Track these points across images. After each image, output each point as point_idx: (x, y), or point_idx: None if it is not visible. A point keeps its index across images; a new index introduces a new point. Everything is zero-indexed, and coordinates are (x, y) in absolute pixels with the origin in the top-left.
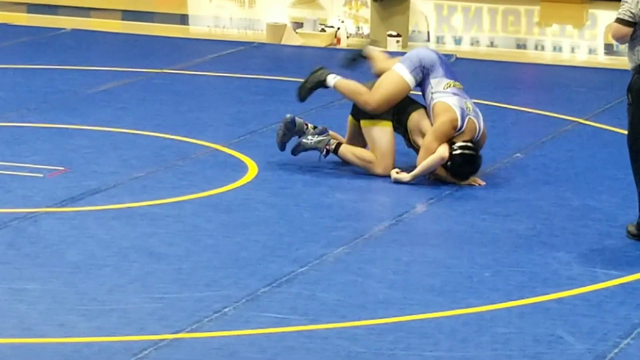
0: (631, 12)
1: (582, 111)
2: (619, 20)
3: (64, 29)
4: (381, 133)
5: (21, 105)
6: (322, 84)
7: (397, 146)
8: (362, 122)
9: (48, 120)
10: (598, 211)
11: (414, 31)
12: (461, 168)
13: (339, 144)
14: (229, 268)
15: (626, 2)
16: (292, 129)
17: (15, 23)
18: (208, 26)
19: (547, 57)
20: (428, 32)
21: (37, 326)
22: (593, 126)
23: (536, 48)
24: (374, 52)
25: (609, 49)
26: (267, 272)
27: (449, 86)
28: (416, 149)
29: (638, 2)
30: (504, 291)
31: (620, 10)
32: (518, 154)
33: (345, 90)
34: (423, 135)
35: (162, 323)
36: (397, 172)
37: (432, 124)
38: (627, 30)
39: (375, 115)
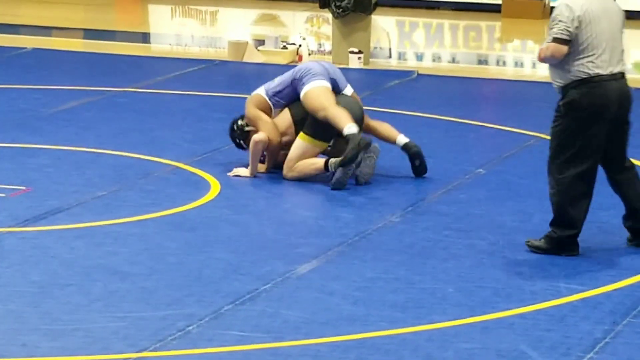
0: (568, 31)
1: (543, 126)
2: (558, 40)
3: (25, 48)
4: (309, 148)
5: None
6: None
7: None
8: (300, 135)
9: (9, 140)
10: None
11: (375, 48)
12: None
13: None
14: (192, 286)
15: (560, 21)
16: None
17: None
18: (170, 44)
19: (509, 72)
20: (390, 49)
21: (0, 346)
22: None
23: (498, 63)
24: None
25: None
26: (231, 289)
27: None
28: None
29: (573, 20)
30: (467, 307)
31: (555, 30)
32: (480, 170)
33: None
34: None
35: (126, 342)
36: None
37: None
38: (566, 49)
39: (315, 135)
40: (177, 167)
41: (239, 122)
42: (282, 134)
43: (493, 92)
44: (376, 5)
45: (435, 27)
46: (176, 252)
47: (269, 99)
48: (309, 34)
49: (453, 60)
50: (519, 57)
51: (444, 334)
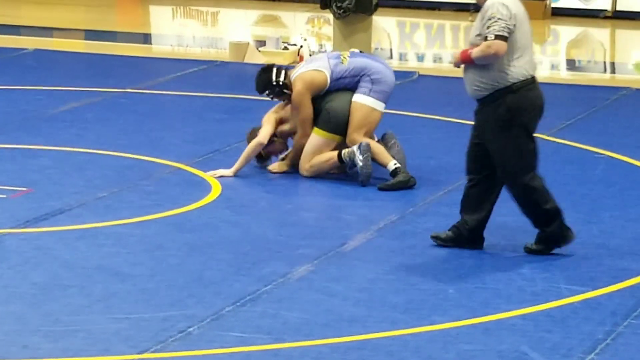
0: (509, 28)
1: (544, 127)
2: (501, 37)
3: (27, 49)
4: (325, 142)
5: None
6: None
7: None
8: (316, 130)
9: (11, 141)
10: None
11: (376, 48)
12: None
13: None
14: (193, 287)
15: (499, 19)
16: None
17: None
18: (171, 45)
19: None
20: (390, 49)
21: (1, 347)
22: (556, 142)
23: None
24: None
25: (571, 65)
26: (232, 291)
27: None
28: None
29: (511, 17)
30: (468, 308)
31: (496, 28)
32: None
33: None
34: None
35: (127, 343)
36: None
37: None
38: (506, 46)
39: (332, 130)
40: (178, 168)
41: (281, 77)
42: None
43: None
44: (377, 6)
45: (436, 28)
46: (177, 253)
47: (332, 82)
48: (310, 35)
49: None
50: None
51: (445, 335)
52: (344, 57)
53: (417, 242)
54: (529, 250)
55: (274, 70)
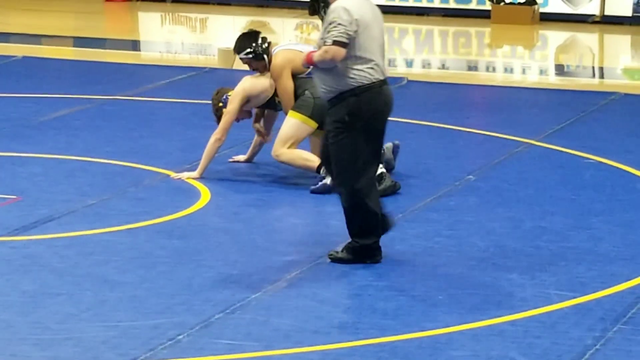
0: (348, 34)
1: (533, 132)
2: (338, 43)
3: (15, 56)
4: (303, 127)
5: None
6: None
7: None
8: (293, 113)
9: None
10: (551, 232)
11: None
12: None
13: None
14: (182, 295)
15: (340, 24)
16: None
17: None
18: (160, 52)
19: (498, 78)
20: None
21: None
22: (545, 147)
23: (487, 70)
24: None
25: (559, 70)
26: (221, 298)
27: None
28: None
29: (352, 23)
30: (457, 314)
31: (335, 33)
32: (470, 176)
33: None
34: None
35: (117, 351)
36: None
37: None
38: (345, 52)
39: (311, 115)
40: (168, 175)
41: (264, 45)
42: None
43: (483, 98)
44: None
45: (425, 34)
46: (166, 261)
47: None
48: (299, 41)
49: (443, 67)
50: (509, 63)
51: (434, 342)
52: None
53: (406, 248)
54: (333, 258)
55: (260, 36)
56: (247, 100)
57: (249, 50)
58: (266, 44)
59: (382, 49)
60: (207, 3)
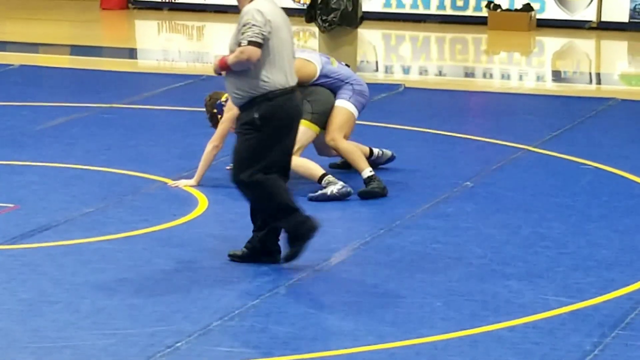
0: (263, 34)
1: (530, 138)
2: (254, 43)
3: (12, 65)
4: (307, 132)
5: None
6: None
7: None
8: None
9: None
10: (548, 238)
11: (362, 61)
12: None
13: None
14: (180, 302)
15: (254, 25)
16: None
17: None
18: (157, 60)
19: (495, 84)
20: (376, 62)
21: None
22: (542, 153)
23: (484, 76)
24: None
25: (556, 76)
26: (219, 305)
27: None
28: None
29: (265, 24)
30: (456, 320)
31: (250, 34)
32: (468, 183)
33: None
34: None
35: (115, 359)
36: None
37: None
38: (260, 52)
39: (314, 120)
40: (165, 183)
41: (219, 99)
42: None
43: (480, 105)
44: (362, 19)
45: (422, 40)
46: (164, 269)
47: (320, 76)
48: (296, 48)
49: (440, 73)
50: (506, 69)
51: (432, 348)
52: (333, 61)
53: (404, 255)
54: (232, 256)
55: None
56: None
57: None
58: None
59: (292, 54)
60: (204, 11)
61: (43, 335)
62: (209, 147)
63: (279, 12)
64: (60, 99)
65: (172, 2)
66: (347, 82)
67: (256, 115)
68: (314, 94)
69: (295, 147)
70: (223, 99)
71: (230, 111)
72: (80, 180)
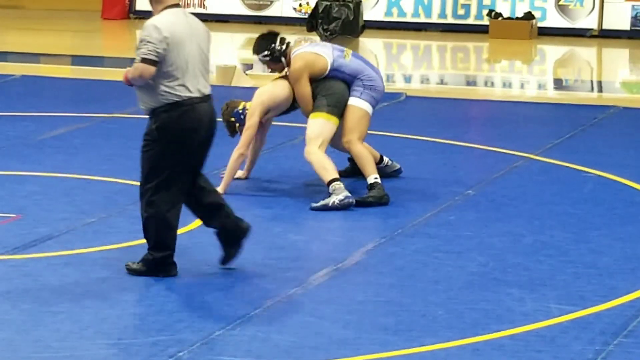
0: (157, 52)
1: (532, 147)
2: (146, 61)
3: (14, 75)
4: (328, 125)
5: None
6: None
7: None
8: (318, 114)
9: None
10: (550, 246)
11: None
12: None
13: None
14: (182, 312)
15: (149, 42)
16: None
17: None
18: None
19: (497, 93)
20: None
21: None
22: (544, 161)
23: (486, 84)
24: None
25: (558, 84)
26: (221, 314)
27: None
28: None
29: (161, 41)
30: (458, 329)
31: (143, 50)
32: (469, 191)
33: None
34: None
35: None
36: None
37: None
38: (154, 69)
39: (331, 112)
40: None
41: (283, 46)
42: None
43: (481, 113)
44: (364, 27)
45: (423, 49)
46: (166, 278)
47: (331, 70)
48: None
49: (441, 82)
50: (507, 77)
51: (435, 357)
52: (347, 53)
53: (405, 263)
54: (129, 269)
55: (278, 37)
56: (267, 112)
57: (266, 52)
58: (285, 45)
59: (203, 65)
60: (205, 20)
61: (45, 345)
62: (235, 154)
63: (184, 24)
64: (61, 109)
65: None
66: (357, 78)
67: (154, 127)
68: (327, 89)
69: (319, 141)
70: (240, 107)
71: (253, 118)
72: (82, 190)
